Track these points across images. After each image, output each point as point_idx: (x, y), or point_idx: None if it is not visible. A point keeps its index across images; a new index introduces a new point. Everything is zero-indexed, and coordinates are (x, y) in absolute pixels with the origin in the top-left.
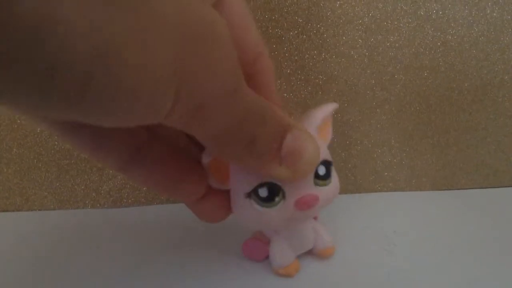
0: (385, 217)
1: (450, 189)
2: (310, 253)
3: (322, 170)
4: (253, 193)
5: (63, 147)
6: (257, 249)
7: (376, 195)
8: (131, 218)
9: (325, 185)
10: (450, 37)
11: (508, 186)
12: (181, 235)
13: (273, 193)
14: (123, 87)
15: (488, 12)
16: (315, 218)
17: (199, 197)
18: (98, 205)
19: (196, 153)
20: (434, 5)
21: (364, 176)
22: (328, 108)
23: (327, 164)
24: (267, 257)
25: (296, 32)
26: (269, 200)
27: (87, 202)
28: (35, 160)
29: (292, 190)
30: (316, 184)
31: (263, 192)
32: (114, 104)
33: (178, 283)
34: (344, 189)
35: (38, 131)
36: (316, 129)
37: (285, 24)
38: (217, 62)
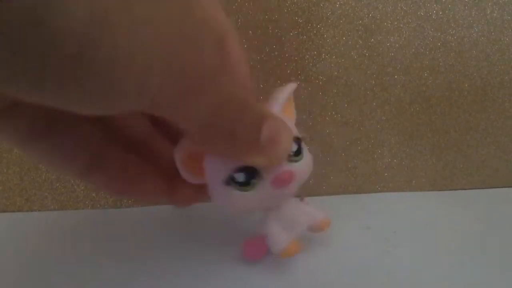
0: (385, 217)
1: (450, 190)
2: (307, 252)
3: (294, 147)
4: (231, 180)
5: None
6: (257, 246)
7: (376, 196)
8: (131, 219)
9: (297, 160)
10: (450, 38)
11: (508, 186)
12: (181, 236)
13: (250, 176)
14: (118, 56)
15: (488, 12)
16: (304, 201)
17: (162, 193)
18: (98, 205)
19: (156, 149)
20: (434, 5)
21: (364, 177)
22: (289, 88)
23: (297, 140)
24: (267, 252)
25: (296, 32)
26: (246, 184)
27: (87, 202)
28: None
29: (267, 170)
30: (289, 161)
31: (240, 177)
32: (108, 75)
33: (178, 284)
34: (344, 190)
35: None
36: (281, 109)
37: (285, 24)
38: (203, 42)
